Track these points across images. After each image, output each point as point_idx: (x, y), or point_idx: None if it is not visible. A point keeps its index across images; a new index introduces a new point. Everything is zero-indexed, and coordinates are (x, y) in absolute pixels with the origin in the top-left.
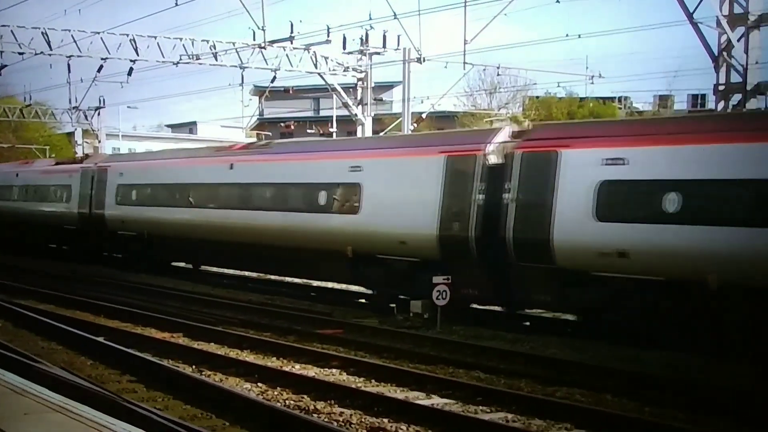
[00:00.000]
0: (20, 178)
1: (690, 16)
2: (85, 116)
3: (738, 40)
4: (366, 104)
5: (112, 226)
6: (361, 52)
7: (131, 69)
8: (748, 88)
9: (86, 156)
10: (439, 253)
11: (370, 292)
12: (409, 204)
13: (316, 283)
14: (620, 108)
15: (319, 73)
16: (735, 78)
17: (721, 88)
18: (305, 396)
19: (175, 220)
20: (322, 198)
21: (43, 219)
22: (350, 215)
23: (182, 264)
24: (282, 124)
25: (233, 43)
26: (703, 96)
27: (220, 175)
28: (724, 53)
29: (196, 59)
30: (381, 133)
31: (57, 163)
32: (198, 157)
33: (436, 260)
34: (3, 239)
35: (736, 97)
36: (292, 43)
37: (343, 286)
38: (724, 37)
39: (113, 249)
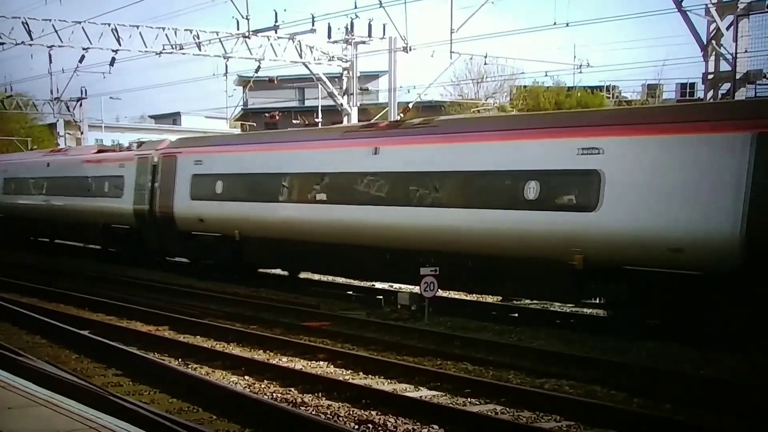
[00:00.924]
0: (52, 169)
1: (679, 4)
2: (67, 107)
3: (727, 29)
4: (351, 94)
5: (184, 225)
6: (346, 41)
7: (113, 59)
8: (738, 76)
9: (141, 142)
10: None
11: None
12: (688, 197)
13: (303, 275)
14: (608, 97)
15: (304, 63)
16: (724, 67)
17: (710, 77)
18: (292, 389)
19: (287, 219)
20: (532, 190)
21: (89, 216)
22: (581, 213)
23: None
24: (266, 115)
25: (217, 33)
26: (692, 85)
27: (358, 162)
28: (714, 42)
29: (179, 49)
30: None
31: (100, 151)
32: (324, 140)
33: (735, 272)
34: (30, 240)
35: (726, 86)
36: (276, 32)
37: (329, 278)
38: (713, 26)
39: (184, 252)
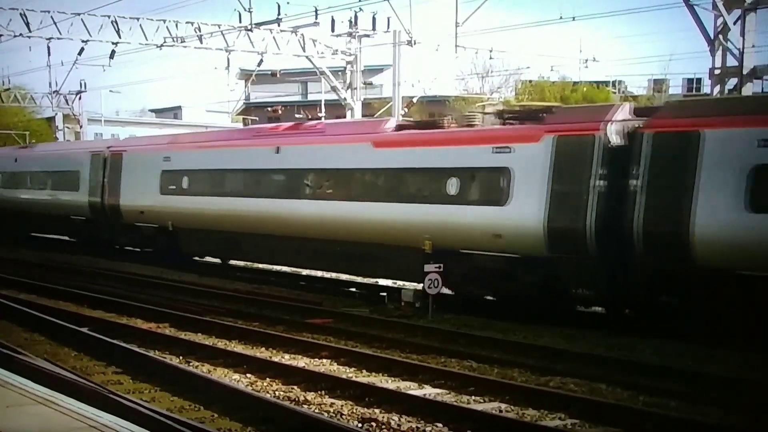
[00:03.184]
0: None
1: None
2: (66, 100)
3: (734, 23)
4: (355, 88)
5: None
6: (350, 34)
7: (113, 52)
8: (745, 71)
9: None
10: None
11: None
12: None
13: (305, 272)
14: (614, 92)
15: (307, 57)
16: (731, 61)
17: (717, 71)
18: (295, 386)
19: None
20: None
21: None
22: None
23: None
24: (269, 109)
25: (219, 26)
26: (699, 80)
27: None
28: (720, 36)
29: (181, 42)
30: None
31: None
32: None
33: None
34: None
35: (733, 81)
36: (279, 25)
37: (332, 275)
38: (720, 20)
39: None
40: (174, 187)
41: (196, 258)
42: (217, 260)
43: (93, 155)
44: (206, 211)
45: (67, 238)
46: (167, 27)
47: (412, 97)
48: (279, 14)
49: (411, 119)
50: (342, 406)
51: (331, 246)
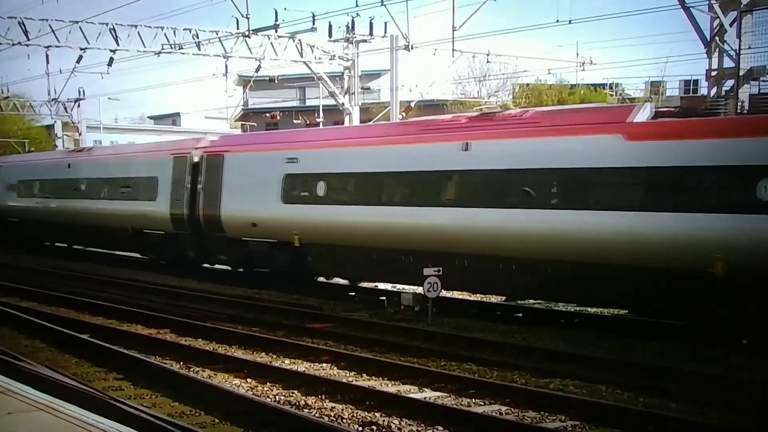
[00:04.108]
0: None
1: (682, 0)
2: (65, 108)
3: (731, 25)
4: (353, 93)
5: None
6: (347, 40)
7: (111, 59)
8: (741, 73)
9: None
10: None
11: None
12: None
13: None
14: (611, 95)
15: (304, 62)
16: (728, 63)
17: (713, 73)
18: (295, 391)
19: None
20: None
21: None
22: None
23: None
24: (267, 115)
25: (216, 32)
26: (696, 82)
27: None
28: (717, 38)
29: (179, 49)
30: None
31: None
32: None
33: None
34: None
35: (729, 83)
36: (276, 31)
37: (333, 280)
38: (716, 22)
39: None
40: (304, 193)
41: (322, 278)
42: (347, 281)
43: (176, 159)
44: (353, 224)
45: (136, 255)
46: (165, 34)
47: (410, 102)
48: (276, 20)
49: (668, 107)
50: (342, 410)
51: (569, 270)
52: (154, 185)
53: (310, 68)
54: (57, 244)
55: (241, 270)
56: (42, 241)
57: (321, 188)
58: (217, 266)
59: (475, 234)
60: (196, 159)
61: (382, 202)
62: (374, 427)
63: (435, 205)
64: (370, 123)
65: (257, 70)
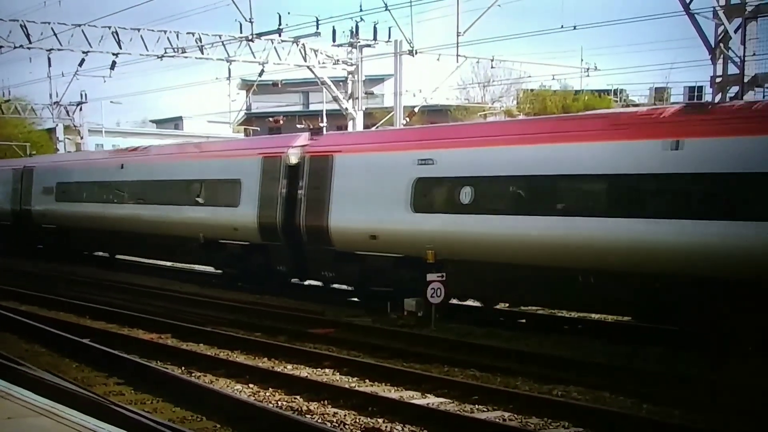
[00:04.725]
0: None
1: (686, 6)
2: (67, 112)
3: (735, 32)
4: (357, 98)
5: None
6: (351, 44)
7: (114, 63)
8: (746, 80)
9: None
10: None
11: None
12: None
13: (307, 282)
14: (616, 101)
15: (308, 67)
16: (732, 70)
17: (718, 80)
18: (298, 396)
19: None
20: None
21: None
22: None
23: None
24: (270, 119)
25: (219, 36)
26: (700, 88)
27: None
28: (721, 45)
29: (182, 52)
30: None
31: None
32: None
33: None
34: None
35: (734, 89)
36: (280, 35)
37: (335, 285)
38: (721, 29)
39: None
40: (442, 201)
41: (456, 301)
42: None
43: (266, 160)
44: (510, 237)
45: (207, 268)
46: (168, 38)
47: (414, 107)
48: (280, 24)
49: None
50: (345, 416)
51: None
52: (235, 189)
53: (313, 73)
54: (104, 253)
55: (351, 288)
56: (85, 250)
57: (466, 195)
58: (312, 282)
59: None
60: (293, 160)
61: (556, 211)
62: None
63: (638, 216)
64: (531, 117)
65: (260, 75)
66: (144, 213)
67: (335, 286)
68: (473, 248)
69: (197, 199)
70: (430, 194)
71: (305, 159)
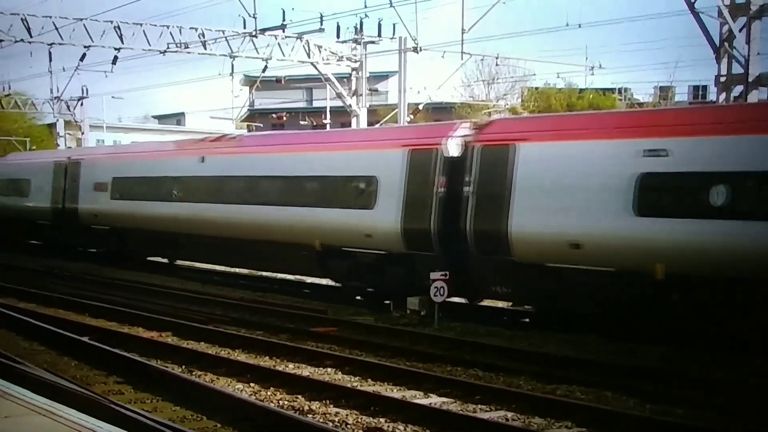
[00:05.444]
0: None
1: (691, 5)
2: (68, 106)
3: (740, 31)
4: (361, 95)
5: None
6: (355, 41)
7: (116, 57)
8: (750, 79)
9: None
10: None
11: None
12: None
13: (309, 280)
14: (620, 99)
15: (312, 63)
16: (737, 69)
17: (722, 79)
18: (299, 396)
19: None
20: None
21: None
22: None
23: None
24: (273, 115)
25: (223, 32)
26: (705, 87)
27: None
28: (726, 44)
29: (184, 48)
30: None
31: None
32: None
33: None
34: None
35: (738, 89)
36: (284, 31)
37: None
38: (725, 28)
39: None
40: (683, 203)
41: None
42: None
43: (415, 152)
44: None
45: (323, 281)
46: (171, 33)
47: (418, 104)
48: (284, 20)
49: None
50: (347, 415)
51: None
52: (369, 188)
53: (317, 69)
54: (163, 259)
55: (529, 308)
56: (145, 255)
57: (720, 195)
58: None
59: None
60: (453, 152)
61: None
62: None
63: None
64: None
65: (264, 71)
66: (235, 214)
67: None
68: (732, 263)
69: (314, 199)
70: (664, 194)
71: (474, 150)
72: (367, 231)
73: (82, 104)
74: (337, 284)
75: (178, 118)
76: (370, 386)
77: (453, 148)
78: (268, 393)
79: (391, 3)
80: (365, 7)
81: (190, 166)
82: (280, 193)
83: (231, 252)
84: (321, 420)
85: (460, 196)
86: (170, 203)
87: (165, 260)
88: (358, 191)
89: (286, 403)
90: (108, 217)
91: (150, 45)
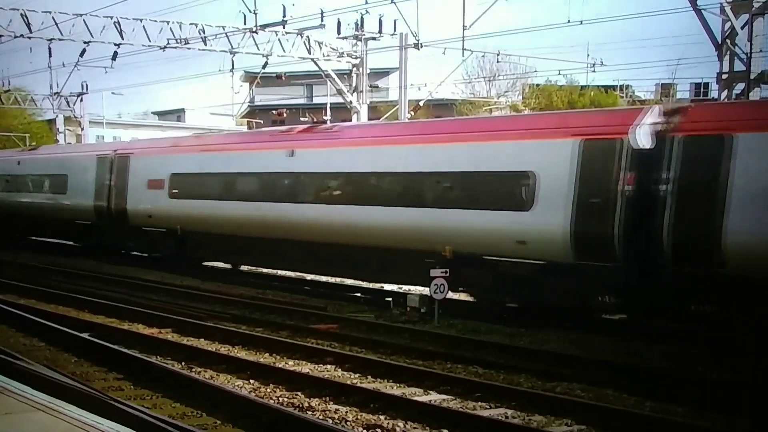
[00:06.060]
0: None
1: (693, 2)
2: (67, 102)
3: (742, 28)
4: (361, 91)
5: None
6: (356, 37)
7: (115, 53)
8: (752, 76)
9: None
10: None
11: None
12: None
13: (309, 277)
14: (622, 97)
15: (312, 59)
16: (739, 66)
17: (724, 76)
18: (299, 393)
19: None
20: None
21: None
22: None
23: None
24: (274, 112)
25: (223, 27)
26: (707, 84)
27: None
28: (728, 41)
29: (184, 44)
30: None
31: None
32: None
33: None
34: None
35: (740, 86)
36: (284, 27)
37: (337, 280)
38: (728, 25)
39: None
40: None
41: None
42: None
43: (587, 143)
44: None
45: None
46: (171, 28)
47: (419, 101)
48: (284, 16)
49: None
50: (347, 412)
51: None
52: (524, 186)
53: (318, 65)
54: (227, 264)
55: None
56: (207, 259)
57: None
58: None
59: None
60: (640, 143)
61: None
62: (379, 430)
63: None
64: None
65: (264, 67)
66: (337, 217)
67: (335, 281)
68: None
69: (444, 199)
70: None
71: (674, 141)
72: (520, 237)
73: (81, 100)
74: (472, 299)
75: (178, 114)
76: (370, 383)
77: (645, 138)
78: (268, 390)
79: None
80: (366, 3)
81: (276, 161)
82: (398, 192)
83: (327, 259)
84: (321, 417)
85: (654, 196)
86: (247, 203)
87: (228, 266)
88: (506, 189)
89: (286, 399)
90: (165, 217)
91: (150, 41)
